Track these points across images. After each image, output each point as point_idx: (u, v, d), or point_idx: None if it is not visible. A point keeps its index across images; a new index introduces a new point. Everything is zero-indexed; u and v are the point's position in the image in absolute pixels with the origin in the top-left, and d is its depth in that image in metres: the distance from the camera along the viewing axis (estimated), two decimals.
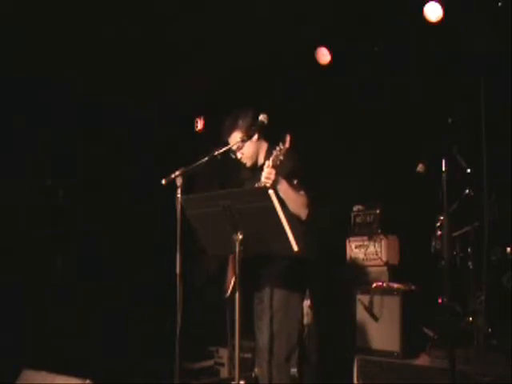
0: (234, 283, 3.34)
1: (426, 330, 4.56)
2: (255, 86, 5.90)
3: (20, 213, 5.43)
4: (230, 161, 3.63)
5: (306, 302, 4.75)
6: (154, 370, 4.96)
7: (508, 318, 4.13)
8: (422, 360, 4.36)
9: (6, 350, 4.75)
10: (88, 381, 3.28)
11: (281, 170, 3.24)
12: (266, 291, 3.42)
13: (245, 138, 3.44)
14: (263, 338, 3.39)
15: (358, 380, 4.41)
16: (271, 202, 2.81)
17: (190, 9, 5.05)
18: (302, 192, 3.38)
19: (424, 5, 4.86)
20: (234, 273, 3.29)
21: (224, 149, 3.35)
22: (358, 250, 5.24)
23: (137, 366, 5.13)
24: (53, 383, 3.40)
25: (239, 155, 3.55)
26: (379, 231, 5.15)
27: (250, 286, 3.48)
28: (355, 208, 5.41)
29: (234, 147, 3.50)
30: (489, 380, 3.80)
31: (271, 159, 3.20)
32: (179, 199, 3.05)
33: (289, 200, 3.27)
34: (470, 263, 4.50)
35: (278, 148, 3.21)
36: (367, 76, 5.40)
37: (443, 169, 3.71)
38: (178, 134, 6.67)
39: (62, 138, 5.82)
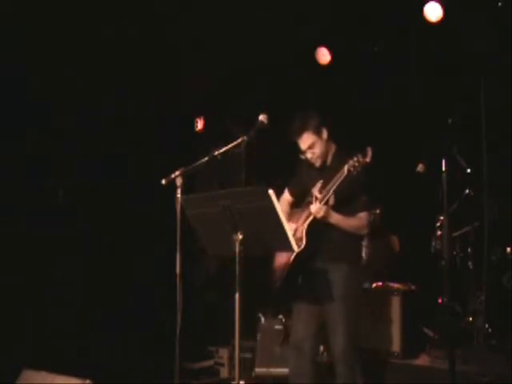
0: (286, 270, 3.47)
1: (426, 330, 4.57)
2: (255, 86, 5.90)
3: (20, 213, 5.42)
4: (302, 164, 3.68)
5: None
6: (153, 370, 4.96)
7: (508, 318, 4.13)
8: (422, 360, 4.36)
9: (6, 350, 4.74)
10: (88, 381, 3.28)
11: (351, 184, 3.34)
12: (331, 301, 3.47)
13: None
14: (338, 343, 3.46)
15: (358, 380, 4.40)
16: (271, 201, 2.80)
17: (190, 9, 5.05)
18: (361, 214, 3.49)
19: (424, 5, 4.86)
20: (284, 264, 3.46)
21: (224, 149, 3.35)
22: None
23: (137, 366, 5.13)
24: (53, 383, 3.40)
25: (309, 155, 3.59)
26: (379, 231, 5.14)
27: (302, 284, 3.54)
28: None
29: (304, 147, 3.56)
30: (488, 380, 3.80)
31: (345, 168, 3.28)
32: (179, 199, 3.05)
33: (343, 227, 3.44)
34: (470, 263, 4.51)
35: (355, 158, 3.31)
36: (367, 76, 5.40)
37: (443, 169, 3.71)
38: (177, 134, 6.67)
39: (62, 138, 5.81)
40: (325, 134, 3.58)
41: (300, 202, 3.68)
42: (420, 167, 3.95)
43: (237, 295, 2.96)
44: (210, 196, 3.06)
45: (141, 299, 5.97)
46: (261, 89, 5.85)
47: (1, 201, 5.24)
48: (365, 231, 3.55)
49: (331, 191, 3.36)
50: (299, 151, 3.62)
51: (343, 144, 3.62)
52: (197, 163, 3.24)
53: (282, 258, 3.56)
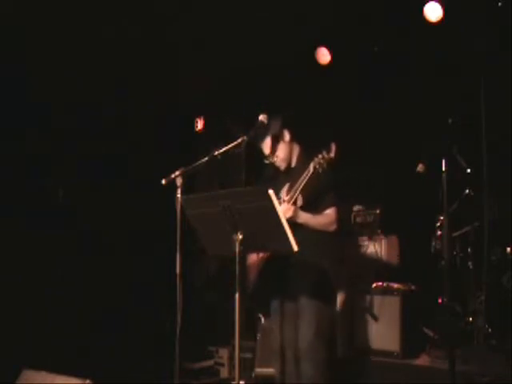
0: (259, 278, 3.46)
1: (426, 330, 4.56)
2: (255, 86, 5.90)
3: (20, 213, 5.42)
4: (267, 166, 3.68)
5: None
6: (153, 370, 4.96)
7: (508, 317, 4.13)
8: (422, 360, 4.36)
9: (6, 350, 4.74)
10: (88, 381, 3.28)
11: (317, 182, 3.34)
12: (301, 298, 3.47)
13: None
14: (304, 340, 3.44)
15: (358, 380, 4.41)
16: (271, 201, 2.81)
17: (190, 9, 5.05)
18: (328, 211, 3.48)
19: (424, 5, 4.86)
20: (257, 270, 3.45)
21: (224, 149, 3.35)
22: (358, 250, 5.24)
23: (137, 366, 5.13)
24: (53, 383, 3.40)
25: (274, 159, 3.60)
26: (379, 231, 5.14)
27: (275, 286, 3.53)
28: (355, 208, 5.41)
29: (267, 151, 3.57)
30: (488, 380, 3.80)
31: (311, 165, 3.27)
32: (179, 199, 3.05)
33: (312, 226, 3.41)
34: (470, 263, 4.50)
35: (320, 155, 3.31)
36: (367, 76, 5.40)
37: (443, 169, 3.71)
38: (177, 134, 6.67)
39: (62, 138, 5.82)
40: (287, 137, 3.59)
41: None
42: (420, 167, 3.95)
43: (237, 295, 2.96)
44: (210, 196, 3.06)
45: (141, 299, 5.97)
46: (261, 89, 5.85)
47: (1, 201, 5.24)
48: (333, 227, 3.51)
49: (299, 190, 3.35)
50: (263, 157, 3.61)
51: (343, 143, 3.61)
52: (197, 163, 3.24)
53: (252, 260, 3.55)
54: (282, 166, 3.63)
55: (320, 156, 3.31)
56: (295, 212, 3.35)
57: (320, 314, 3.46)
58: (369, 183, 5.37)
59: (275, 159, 3.61)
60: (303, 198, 3.41)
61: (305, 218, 3.40)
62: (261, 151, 3.61)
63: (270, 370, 4.44)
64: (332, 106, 5.70)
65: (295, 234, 3.31)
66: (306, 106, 5.74)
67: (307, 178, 3.33)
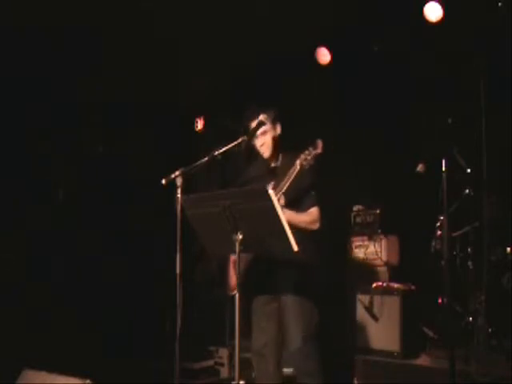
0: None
1: (425, 330, 4.57)
2: (255, 86, 5.90)
3: (20, 212, 5.43)
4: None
5: None
6: (154, 370, 4.96)
7: (508, 317, 4.13)
8: (422, 360, 4.36)
9: (6, 350, 4.74)
10: (88, 381, 3.28)
11: (300, 180, 3.31)
12: (285, 297, 3.44)
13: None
14: (293, 342, 3.40)
15: (358, 380, 4.41)
16: (271, 201, 2.80)
17: (191, 9, 5.06)
18: (312, 209, 3.45)
19: (424, 5, 4.86)
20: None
21: (224, 149, 3.35)
22: (358, 250, 5.24)
23: (137, 366, 5.13)
24: (53, 383, 3.40)
25: (260, 141, 3.54)
26: (379, 231, 5.15)
27: (258, 286, 3.50)
28: (355, 208, 5.41)
29: (259, 132, 3.49)
30: (489, 380, 3.80)
31: (298, 162, 3.27)
32: (179, 199, 3.05)
33: (295, 224, 3.31)
34: (470, 263, 4.50)
35: (307, 152, 3.27)
36: (367, 76, 5.40)
37: (443, 169, 3.71)
38: (178, 134, 6.67)
39: (62, 138, 5.82)
40: (278, 129, 3.56)
41: None
42: (420, 167, 3.95)
43: (237, 295, 2.96)
44: (210, 196, 3.05)
45: (141, 299, 5.97)
46: (261, 89, 5.85)
47: (1, 201, 5.24)
48: (316, 226, 3.47)
49: (285, 187, 3.29)
50: (249, 136, 3.45)
51: (343, 144, 3.59)
52: (197, 163, 3.24)
53: (232, 260, 3.50)
54: (266, 153, 3.56)
55: (307, 152, 3.28)
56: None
57: (307, 314, 3.41)
58: (369, 183, 5.37)
59: (262, 142, 3.53)
60: (285, 198, 3.36)
61: (288, 215, 3.27)
62: (247, 128, 3.51)
63: (289, 370, 4.44)
64: (332, 105, 5.71)
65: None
66: (304, 105, 5.75)
67: (294, 174, 3.29)
